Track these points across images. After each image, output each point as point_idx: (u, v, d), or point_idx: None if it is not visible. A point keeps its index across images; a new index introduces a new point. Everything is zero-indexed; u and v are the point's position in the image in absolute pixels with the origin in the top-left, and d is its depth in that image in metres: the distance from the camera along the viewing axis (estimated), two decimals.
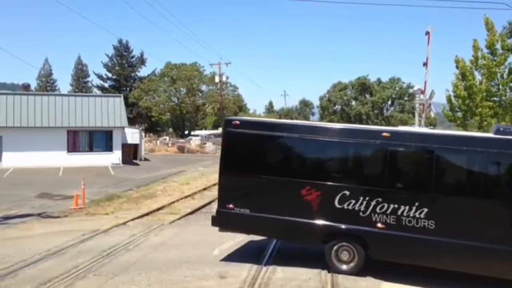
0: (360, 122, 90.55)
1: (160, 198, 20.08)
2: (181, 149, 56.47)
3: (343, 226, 9.26)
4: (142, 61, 78.44)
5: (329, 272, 9.45)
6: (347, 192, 9.16)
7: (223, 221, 10.21)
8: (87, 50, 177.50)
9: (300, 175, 9.64)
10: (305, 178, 9.53)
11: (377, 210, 8.98)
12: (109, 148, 35.80)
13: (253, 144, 10.14)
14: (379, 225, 8.98)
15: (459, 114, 22.50)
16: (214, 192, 21.72)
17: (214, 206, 18.20)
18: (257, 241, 11.94)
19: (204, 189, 22.75)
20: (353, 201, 9.12)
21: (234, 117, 10.63)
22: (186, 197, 20.22)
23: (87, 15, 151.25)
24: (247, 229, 10.33)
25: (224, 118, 11.23)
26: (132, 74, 78.17)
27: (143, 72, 79.42)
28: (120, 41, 77.09)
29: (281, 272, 9.47)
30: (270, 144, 10.18)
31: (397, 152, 9.33)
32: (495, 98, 21.59)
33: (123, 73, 76.44)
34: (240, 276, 9.21)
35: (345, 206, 9.17)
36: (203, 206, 17.99)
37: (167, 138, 68.04)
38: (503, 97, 21.56)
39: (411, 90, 67.71)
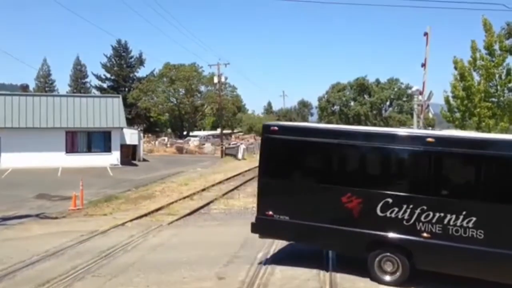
0: (359, 123, 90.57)
1: (159, 199, 20.07)
2: (180, 150, 56.46)
3: (386, 235, 8.88)
4: (140, 61, 78.42)
5: (327, 271, 9.48)
6: (390, 200, 8.80)
7: (262, 228, 10.02)
8: (86, 51, 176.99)
9: (340, 181, 9.39)
10: (345, 185, 9.26)
11: (422, 218, 8.58)
12: (107, 148, 35.77)
13: (291, 150, 9.94)
14: (424, 234, 8.58)
15: (457, 114, 22.50)
16: (213, 193, 21.78)
17: (213, 207, 18.35)
18: (252, 242, 11.96)
19: (203, 190, 22.74)
20: (396, 209, 8.75)
21: (272, 123, 10.21)
22: (184, 198, 20.20)
23: (85, 16, 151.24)
24: (287, 236, 10.19)
25: (262, 124, 10.99)
26: (131, 75, 78.14)
27: (141, 72, 79.42)
28: (118, 42, 77.08)
29: (279, 273, 9.47)
30: (308, 149, 9.91)
31: (442, 158, 8.88)
32: (493, 99, 21.60)
33: (122, 73, 76.40)
34: (238, 277, 9.22)
35: (388, 214, 8.80)
36: (202, 207, 17.99)
37: (166, 138, 68.02)
38: (501, 98, 21.57)
39: (409, 91, 67.77)
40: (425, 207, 8.56)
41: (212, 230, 14.33)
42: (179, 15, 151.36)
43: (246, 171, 33.08)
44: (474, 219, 8.28)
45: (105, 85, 77.35)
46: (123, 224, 14.57)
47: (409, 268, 8.75)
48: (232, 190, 22.97)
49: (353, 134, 9.87)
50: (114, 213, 16.69)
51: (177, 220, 15.49)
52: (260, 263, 10.13)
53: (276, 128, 9.99)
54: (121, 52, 77.48)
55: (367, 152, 9.50)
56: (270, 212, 9.70)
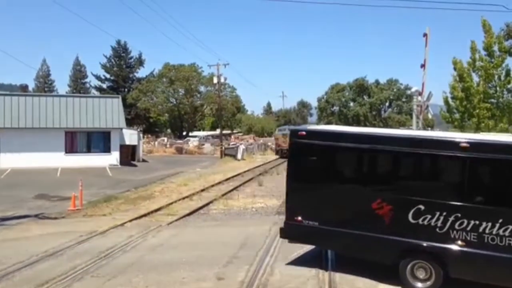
0: (358, 123, 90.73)
1: (158, 199, 20.06)
2: (179, 150, 56.45)
3: (418, 243, 8.61)
4: (140, 62, 78.44)
5: (326, 271, 9.49)
6: (422, 207, 8.52)
7: (291, 234, 9.91)
8: (85, 51, 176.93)
9: (370, 187, 9.20)
10: (375, 191, 9.09)
11: (456, 226, 8.31)
12: (107, 149, 35.77)
13: (320, 155, 9.74)
14: (458, 242, 8.31)
15: (457, 115, 22.50)
16: (212, 193, 21.78)
17: (212, 207, 18.35)
18: (251, 242, 11.97)
19: (202, 190, 22.74)
20: (429, 216, 8.47)
21: (300, 127, 10.13)
22: (184, 198, 20.19)
23: (85, 16, 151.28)
24: (316, 242, 10.06)
25: (290, 129, 10.87)
26: (130, 75, 78.16)
27: (141, 73, 79.48)
28: (118, 42, 77.12)
29: (278, 274, 9.47)
30: (337, 154, 9.77)
31: (477, 164, 8.51)
32: (492, 100, 21.60)
33: (121, 74, 76.41)
34: (237, 277, 9.22)
35: (420, 221, 8.53)
36: (201, 208, 17.98)
37: (165, 139, 68.01)
38: (501, 99, 21.57)
39: (408, 92, 67.93)
40: (459, 215, 8.31)
41: (211, 230, 14.33)
42: (178, 16, 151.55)
43: (245, 171, 33.08)
44: (510, 227, 8.02)
45: (104, 86, 77.38)
46: (122, 224, 14.57)
47: (442, 277, 8.50)
48: (232, 190, 22.97)
49: (383, 139, 9.59)
50: (114, 214, 16.69)
51: (176, 220, 15.48)
52: (259, 263, 10.12)
53: (304, 132, 9.88)
54: (120, 52, 77.51)
55: (398, 157, 9.23)
56: (299, 218, 9.57)
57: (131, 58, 78.44)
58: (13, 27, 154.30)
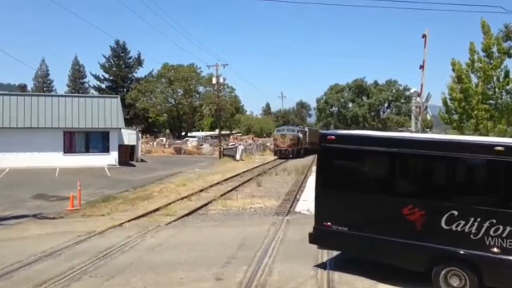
0: (357, 124, 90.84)
1: (157, 200, 20.05)
2: (178, 151, 56.44)
3: (451, 250, 8.32)
4: (139, 62, 78.41)
5: (325, 270, 9.48)
6: (455, 212, 8.24)
7: (320, 239, 9.76)
8: (84, 51, 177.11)
9: (401, 192, 8.95)
10: (407, 196, 8.81)
11: (491, 233, 8.01)
12: (105, 149, 35.76)
13: (350, 159, 9.65)
14: (494, 249, 8.01)
15: (455, 116, 22.53)
16: (211, 194, 21.77)
17: (211, 207, 18.34)
18: (249, 243, 11.96)
19: (201, 190, 22.73)
20: (463, 222, 8.19)
21: (329, 132, 10.05)
22: (182, 198, 20.19)
23: (84, 16, 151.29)
24: (346, 248, 9.82)
25: (320, 133, 10.76)
26: (129, 75, 78.13)
27: (140, 73, 79.44)
28: (117, 42, 77.06)
29: (277, 274, 9.46)
30: (367, 159, 9.59)
31: None
32: (491, 101, 21.64)
33: (120, 74, 76.38)
34: (236, 277, 9.21)
35: (453, 227, 8.25)
36: (200, 208, 17.97)
37: (164, 139, 67.97)
38: (499, 100, 21.61)
39: (407, 93, 68.09)
40: (494, 221, 8.01)
41: (210, 231, 14.32)
42: (177, 16, 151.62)
43: (244, 172, 33.07)
44: None
45: (103, 86, 77.32)
46: (120, 224, 14.56)
47: (478, 285, 8.22)
48: (230, 191, 22.96)
49: (414, 143, 9.32)
50: (112, 214, 16.68)
51: (175, 220, 15.47)
52: (257, 264, 10.12)
53: (333, 137, 9.71)
54: (119, 52, 77.46)
55: (430, 161, 8.94)
56: (329, 223, 9.42)
57: (130, 58, 78.42)
58: (12, 27, 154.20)
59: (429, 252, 8.50)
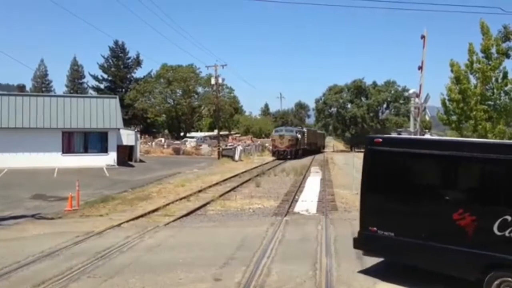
0: (356, 125, 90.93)
1: (155, 200, 20.03)
2: (177, 151, 56.46)
3: (505, 257, 7.84)
4: (138, 62, 78.49)
5: (323, 271, 9.47)
6: (509, 218, 7.79)
7: (365, 245, 9.44)
8: (83, 51, 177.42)
9: (451, 197, 8.57)
10: (457, 200, 8.46)
11: None
12: (104, 149, 35.75)
13: (397, 163, 9.31)
14: None
15: (454, 117, 22.56)
16: (209, 194, 21.75)
17: (210, 208, 18.32)
18: (248, 243, 11.95)
19: (200, 191, 22.72)
20: None
21: (376, 135, 9.63)
22: (181, 199, 20.17)
23: (83, 16, 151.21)
24: (391, 254, 9.35)
25: (366, 136, 10.52)
26: (128, 76, 78.20)
27: (139, 73, 79.58)
28: (116, 42, 77.17)
29: (275, 275, 9.45)
30: (415, 162, 9.23)
31: None
32: (489, 102, 21.67)
33: (119, 74, 76.42)
34: (234, 278, 9.20)
35: (507, 233, 7.79)
36: (198, 208, 17.95)
37: (163, 139, 67.97)
38: (498, 101, 21.64)
39: (406, 94, 68.09)
40: None
41: (208, 231, 14.30)
42: (176, 17, 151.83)
43: (242, 172, 33.08)
44: None
45: (102, 86, 77.38)
46: (119, 225, 14.53)
47: None
48: (229, 191, 22.95)
49: (464, 146, 8.90)
50: (110, 214, 16.65)
51: (173, 221, 15.45)
52: (256, 264, 10.11)
53: (380, 140, 9.48)
54: (118, 52, 77.53)
55: (481, 165, 8.51)
56: (374, 228, 9.10)
57: (128, 58, 78.51)
58: (11, 27, 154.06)
59: (480, 260, 8.07)
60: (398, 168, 9.34)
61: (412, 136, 11.15)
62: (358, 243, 9.58)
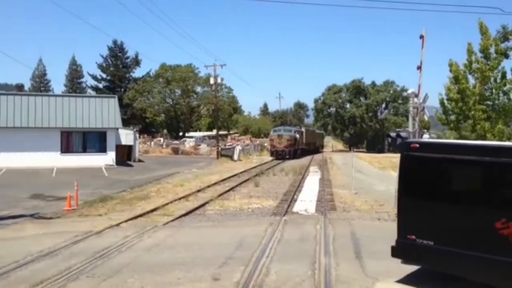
0: (354, 125, 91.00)
1: (154, 200, 20.02)
2: (175, 151, 56.47)
3: None
4: (136, 62, 78.50)
5: (322, 271, 9.48)
6: None
7: (404, 253, 9.04)
8: (82, 51, 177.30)
9: (493, 204, 8.16)
10: (500, 209, 8.00)
11: None
12: (103, 149, 35.74)
13: (435, 169, 8.90)
14: None
15: (452, 117, 22.57)
16: (208, 194, 21.75)
17: (208, 208, 18.32)
18: (247, 243, 11.95)
19: (198, 190, 22.72)
20: None
21: (412, 140, 9.50)
22: (180, 198, 20.16)
23: (81, 16, 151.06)
24: (431, 263, 8.95)
25: (402, 141, 10.19)
26: (127, 75, 78.20)
27: (137, 73, 79.65)
28: (114, 42, 77.21)
29: (274, 275, 9.45)
30: (455, 168, 8.82)
31: None
32: (488, 102, 21.68)
33: (118, 74, 76.41)
34: (233, 278, 9.20)
35: None
36: (197, 208, 17.95)
37: (162, 139, 68.01)
38: (496, 101, 21.66)
39: (405, 93, 68.10)
40: None
41: (207, 231, 14.30)
42: (175, 16, 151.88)
43: (241, 172, 33.09)
44: None
45: (100, 85, 77.38)
46: (118, 224, 14.53)
47: None
48: (228, 191, 22.96)
49: (509, 151, 8.46)
50: (109, 214, 16.64)
51: (172, 221, 15.45)
52: (255, 264, 10.11)
53: (416, 145, 9.16)
54: (117, 52, 77.53)
55: None
56: (413, 236, 8.77)
57: (127, 58, 78.51)
58: (10, 26, 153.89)
59: None
60: (436, 174, 8.93)
61: (452, 141, 10.73)
62: (397, 251, 9.14)
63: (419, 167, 9.04)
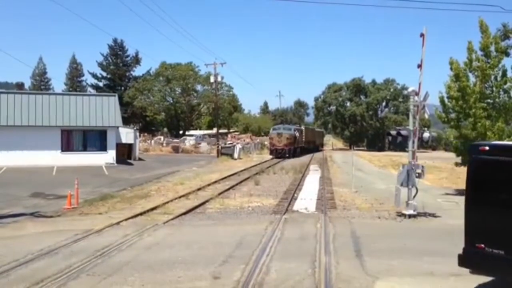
0: (355, 123, 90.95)
1: (154, 198, 20.03)
2: (176, 149, 56.49)
3: None
4: (137, 60, 78.43)
5: (322, 270, 9.48)
6: None
7: (472, 262, 8.49)
8: (82, 49, 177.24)
9: None
10: None
11: None
12: (103, 147, 35.74)
13: (508, 173, 8.23)
14: None
15: (453, 115, 22.57)
16: (208, 192, 21.76)
17: (209, 206, 18.33)
18: (247, 241, 11.95)
19: (199, 189, 22.73)
20: None
21: (481, 142, 9.01)
22: (180, 197, 20.17)
23: (82, 14, 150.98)
24: (502, 273, 8.41)
25: (469, 144, 9.65)
26: (127, 74, 78.15)
27: (138, 71, 79.56)
28: (115, 40, 77.11)
29: (274, 273, 9.45)
30: None
31: None
32: (488, 100, 21.68)
33: (118, 72, 76.35)
34: (233, 276, 9.20)
35: None
36: (197, 206, 17.95)
37: (162, 138, 67.99)
38: (497, 99, 21.67)
39: (405, 92, 68.09)
40: None
41: (207, 229, 14.30)
42: (175, 15, 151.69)
43: (242, 170, 33.10)
44: None
45: (101, 84, 77.34)
46: (118, 223, 14.53)
47: None
48: (228, 189, 22.96)
49: None
50: (110, 212, 16.65)
51: (172, 219, 15.45)
52: (255, 262, 10.11)
53: (486, 148, 8.56)
54: (117, 50, 77.45)
55: None
56: (482, 245, 8.23)
57: (127, 56, 78.46)
58: (10, 25, 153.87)
59: None
60: (509, 178, 8.26)
61: None
62: (464, 260, 8.58)
63: (490, 171, 8.47)
